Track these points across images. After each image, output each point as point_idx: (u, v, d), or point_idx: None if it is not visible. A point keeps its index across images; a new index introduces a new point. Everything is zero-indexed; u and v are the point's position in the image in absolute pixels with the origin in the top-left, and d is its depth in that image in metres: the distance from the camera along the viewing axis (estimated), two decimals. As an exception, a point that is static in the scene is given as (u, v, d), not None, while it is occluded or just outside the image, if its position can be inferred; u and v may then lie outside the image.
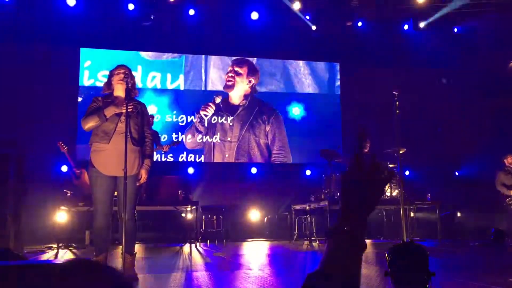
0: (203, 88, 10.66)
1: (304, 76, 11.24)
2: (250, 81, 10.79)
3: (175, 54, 10.57)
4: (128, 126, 4.09)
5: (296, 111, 11.03)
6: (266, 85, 11.02)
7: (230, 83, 10.64)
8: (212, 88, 10.66)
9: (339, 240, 0.98)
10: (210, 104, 10.50)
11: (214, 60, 10.79)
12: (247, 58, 10.91)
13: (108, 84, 4.29)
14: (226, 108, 10.60)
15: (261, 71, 11.03)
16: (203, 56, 10.73)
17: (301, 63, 11.24)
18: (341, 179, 1.05)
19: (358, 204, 1.02)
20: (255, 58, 10.98)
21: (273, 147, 10.68)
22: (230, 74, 10.68)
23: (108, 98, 4.24)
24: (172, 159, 10.19)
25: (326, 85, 11.33)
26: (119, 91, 4.20)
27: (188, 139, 10.35)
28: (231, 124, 10.56)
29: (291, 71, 11.19)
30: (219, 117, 10.54)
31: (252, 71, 10.88)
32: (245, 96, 10.74)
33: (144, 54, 10.42)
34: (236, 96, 10.71)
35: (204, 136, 10.44)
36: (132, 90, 4.24)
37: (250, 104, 10.74)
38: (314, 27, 10.74)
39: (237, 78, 10.70)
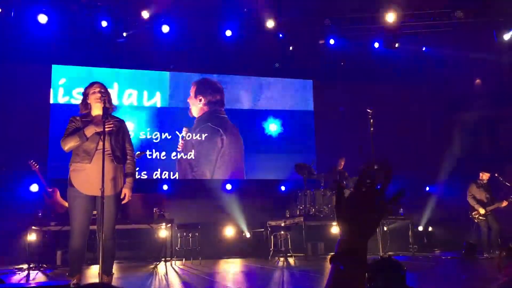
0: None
1: (278, 93, 11.35)
2: (200, 100, 10.75)
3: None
4: (110, 145, 4.06)
5: (270, 127, 11.10)
6: (240, 102, 11.08)
7: (189, 108, 10.69)
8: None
9: (342, 263, 1.01)
10: (180, 141, 10.49)
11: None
12: (205, 76, 10.95)
13: (85, 104, 4.23)
14: (196, 127, 10.65)
15: (235, 88, 11.09)
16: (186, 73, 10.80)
17: (275, 80, 11.37)
18: (335, 202, 1.08)
19: (351, 224, 1.04)
20: (227, 75, 11.06)
21: (217, 163, 10.66)
22: (187, 100, 10.72)
23: (86, 117, 4.19)
24: (146, 177, 10.10)
25: (300, 102, 11.47)
26: (97, 110, 4.15)
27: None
28: (193, 143, 10.57)
29: (265, 88, 11.30)
30: (193, 135, 10.55)
31: (200, 89, 10.83)
32: (203, 115, 10.71)
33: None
34: (197, 116, 10.73)
35: (178, 153, 10.46)
36: (109, 107, 4.21)
37: (204, 121, 10.71)
38: (292, 49, 10.93)
39: (189, 101, 10.71)
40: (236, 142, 10.83)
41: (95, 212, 4.12)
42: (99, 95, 4.14)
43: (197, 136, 10.59)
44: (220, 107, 10.89)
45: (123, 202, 4.18)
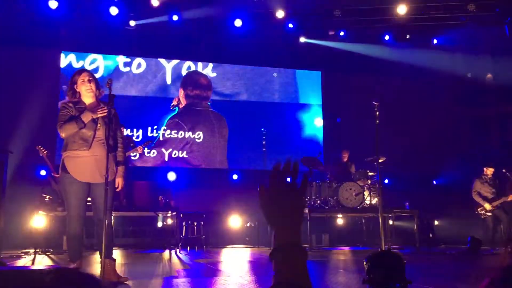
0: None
1: (286, 84, 11.32)
2: (181, 92, 10.78)
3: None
4: (105, 133, 4.06)
5: (277, 118, 11.08)
6: (247, 93, 11.06)
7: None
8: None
9: (280, 256, 1.04)
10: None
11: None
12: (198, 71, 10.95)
13: (73, 91, 4.20)
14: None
15: (243, 78, 11.07)
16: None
17: (284, 71, 11.33)
18: (259, 197, 1.13)
19: (276, 216, 1.08)
20: (235, 65, 11.04)
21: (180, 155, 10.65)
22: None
23: (78, 104, 4.17)
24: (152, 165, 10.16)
25: (309, 93, 11.42)
26: (88, 98, 4.15)
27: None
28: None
29: (273, 79, 11.26)
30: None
31: (184, 82, 10.80)
32: (184, 106, 10.72)
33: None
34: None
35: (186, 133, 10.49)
36: (98, 93, 4.22)
37: (176, 116, 10.70)
38: (302, 39, 10.90)
39: (179, 92, 10.79)
40: (213, 135, 10.77)
41: (89, 198, 4.16)
42: (88, 84, 4.12)
43: (198, 134, 10.62)
44: (202, 101, 10.85)
45: (117, 190, 4.23)
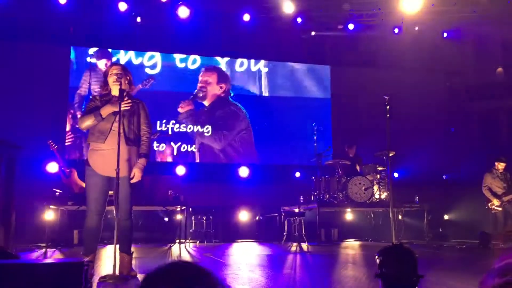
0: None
1: (295, 78, 11.28)
2: (221, 87, 10.88)
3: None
4: (123, 126, 4.06)
5: (285, 113, 11.06)
6: (256, 87, 11.04)
7: (202, 93, 10.73)
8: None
9: None
10: (187, 101, 10.58)
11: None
12: (216, 66, 11.00)
13: (105, 83, 4.25)
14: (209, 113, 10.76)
15: (252, 73, 11.06)
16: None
17: (292, 65, 11.29)
18: None
19: None
20: (245, 60, 11.02)
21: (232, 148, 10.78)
22: (200, 85, 10.77)
23: (105, 97, 4.21)
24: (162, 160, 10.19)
25: (317, 88, 11.38)
26: (116, 91, 4.17)
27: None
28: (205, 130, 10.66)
29: (282, 73, 11.23)
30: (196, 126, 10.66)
31: (222, 77, 10.93)
32: (216, 102, 10.79)
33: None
34: (209, 102, 10.82)
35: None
36: (129, 88, 4.24)
37: (219, 108, 10.81)
38: (313, 33, 10.88)
39: (208, 88, 10.76)
40: (247, 128, 10.87)
41: (111, 192, 4.11)
42: (115, 77, 4.15)
43: (206, 128, 10.62)
44: (229, 94, 10.95)
45: (132, 181, 4.11)
